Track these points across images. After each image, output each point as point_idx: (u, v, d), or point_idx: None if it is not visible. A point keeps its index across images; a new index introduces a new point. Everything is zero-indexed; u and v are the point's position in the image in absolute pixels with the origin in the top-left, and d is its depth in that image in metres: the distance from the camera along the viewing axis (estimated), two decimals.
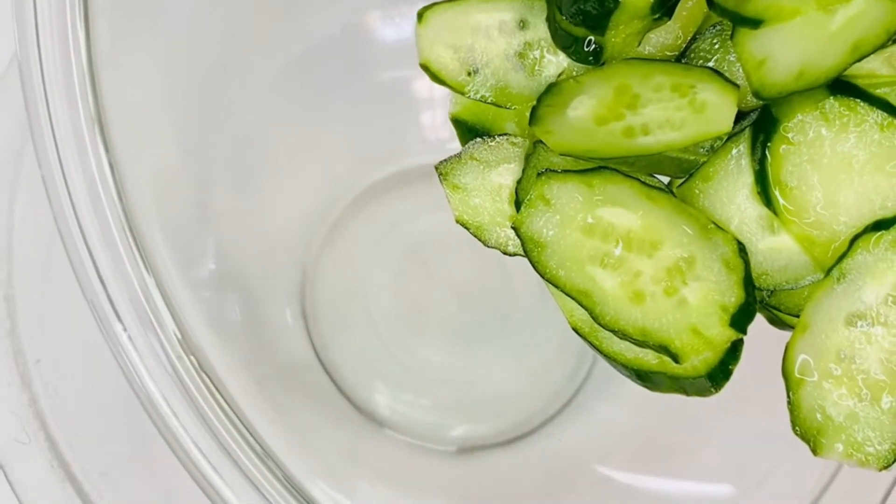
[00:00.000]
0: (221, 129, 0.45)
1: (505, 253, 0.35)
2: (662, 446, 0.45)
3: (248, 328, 0.45)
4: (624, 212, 0.33)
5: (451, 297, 0.52)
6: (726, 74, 0.32)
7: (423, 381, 0.51)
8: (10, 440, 0.41)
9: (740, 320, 0.33)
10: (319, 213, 0.52)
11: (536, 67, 0.34)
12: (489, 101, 0.35)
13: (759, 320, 0.35)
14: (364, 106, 0.52)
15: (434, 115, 0.53)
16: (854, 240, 0.32)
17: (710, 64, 0.33)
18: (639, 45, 0.33)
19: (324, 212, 0.52)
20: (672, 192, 0.34)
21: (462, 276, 0.53)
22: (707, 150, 0.32)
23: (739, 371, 0.44)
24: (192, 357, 0.29)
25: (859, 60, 0.30)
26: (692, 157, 0.32)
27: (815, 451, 0.32)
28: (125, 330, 0.28)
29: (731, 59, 0.33)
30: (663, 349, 0.33)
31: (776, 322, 0.35)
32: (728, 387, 0.45)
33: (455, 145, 0.49)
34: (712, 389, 0.34)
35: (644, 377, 0.35)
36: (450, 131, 0.51)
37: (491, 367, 0.52)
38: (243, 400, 0.30)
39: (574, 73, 0.34)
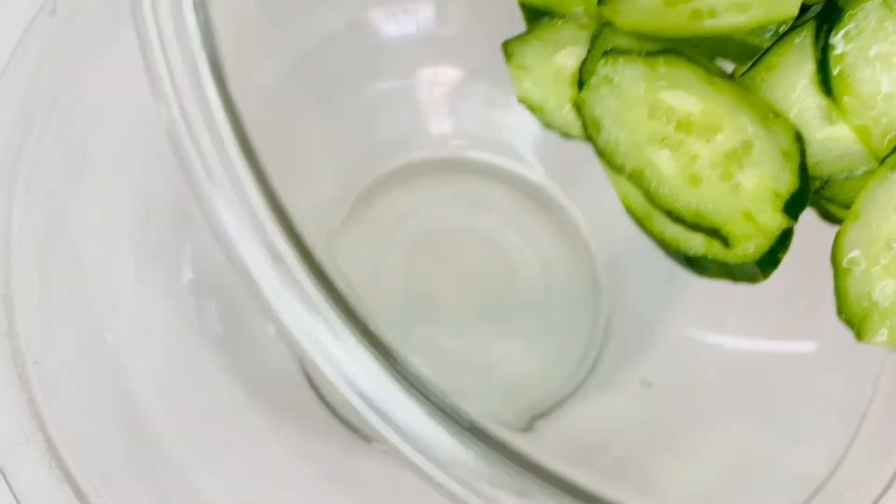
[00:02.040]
0: None
1: (565, 135, 0.36)
2: (666, 437, 0.46)
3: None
4: (686, 95, 0.34)
5: (458, 291, 0.52)
6: None
7: (435, 366, 0.52)
8: (9, 441, 0.41)
9: (793, 207, 0.33)
10: (323, 210, 0.53)
11: None
12: None
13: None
14: (369, 102, 0.52)
15: (438, 111, 0.53)
16: None
17: None
18: None
19: (327, 209, 0.53)
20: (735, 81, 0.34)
21: (469, 269, 0.53)
22: (772, 35, 0.33)
23: (741, 371, 0.44)
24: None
25: None
26: (757, 42, 0.33)
27: (858, 336, 0.33)
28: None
29: None
30: (715, 232, 0.34)
31: (828, 216, 0.36)
32: (731, 384, 0.45)
33: (457, 142, 0.50)
34: (760, 276, 0.34)
35: (693, 262, 0.35)
36: (453, 126, 0.52)
37: (499, 356, 0.52)
38: None
39: None
